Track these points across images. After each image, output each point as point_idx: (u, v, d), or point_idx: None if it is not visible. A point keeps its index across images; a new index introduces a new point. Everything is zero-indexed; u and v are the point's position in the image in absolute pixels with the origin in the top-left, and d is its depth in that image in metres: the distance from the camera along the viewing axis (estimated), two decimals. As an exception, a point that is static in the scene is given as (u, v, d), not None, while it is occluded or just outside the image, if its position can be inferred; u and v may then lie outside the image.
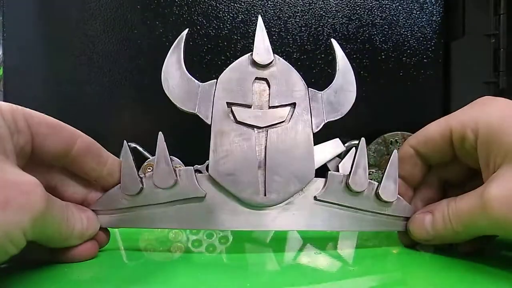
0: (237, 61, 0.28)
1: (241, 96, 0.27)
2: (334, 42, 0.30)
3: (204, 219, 0.26)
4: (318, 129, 0.28)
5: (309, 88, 0.28)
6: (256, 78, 0.28)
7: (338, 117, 0.29)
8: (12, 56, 0.45)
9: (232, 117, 0.27)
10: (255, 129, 0.27)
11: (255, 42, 0.28)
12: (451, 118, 0.27)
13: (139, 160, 0.41)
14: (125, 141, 0.27)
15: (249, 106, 0.27)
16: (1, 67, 0.45)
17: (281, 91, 0.28)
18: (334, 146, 0.42)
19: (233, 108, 0.27)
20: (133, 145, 0.43)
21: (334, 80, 0.29)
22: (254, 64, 0.28)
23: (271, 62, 0.28)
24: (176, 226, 0.27)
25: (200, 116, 0.27)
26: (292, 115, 0.27)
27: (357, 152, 0.27)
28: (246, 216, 0.26)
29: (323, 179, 0.27)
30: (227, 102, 0.27)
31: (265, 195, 0.26)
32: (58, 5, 0.45)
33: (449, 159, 0.28)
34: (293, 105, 0.28)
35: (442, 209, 0.26)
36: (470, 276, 0.24)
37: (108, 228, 0.27)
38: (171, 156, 0.27)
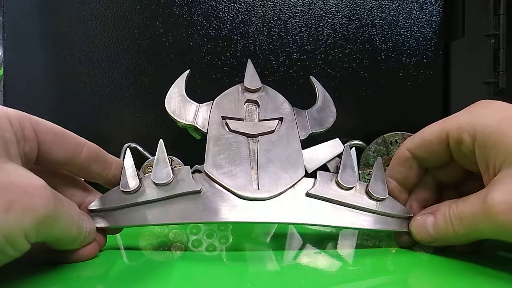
0: (229, 88, 0.33)
1: (234, 113, 0.31)
2: (312, 78, 0.35)
3: (200, 212, 0.27)
4: (305, 137, 0.31)
5: (294, 107, 0.32)
6: (247, 101, 0.32)
7: (322, 130, 0.32)
8: (12, 56, 0.45)
9: (226, 128, 0.30)
10: (247, 137, 0.30)
11: (246, 73, 0.33)
12: (447, 121, 0.27)
13: (139, 160, 0.41)
14: (126, 145, 0.29)
15: (241, 120, 0.31)
16: (1, 67, 0.45)
17: (269, 109, 0.32)
18: (334, 146, 0.42)
19: (227, 120, 0.31)
20: (133, 145, 0.43)
21: (315, 103, 0.33)
22: (245, 90, 0.33)
23: (259, 88, 0.33)
24: (172, 221, 0.27)
25: (197, 126, 0.31)
26: (280, 126, 0.31)
27: (343, 154, 0.30)
28: (240, 208, 0.27)
29: (313, 179, 0.29)
30: (221, 116, 0.31)
31: (258, 189, 0.28)
32: (58, 5, 0.45)
33: (445, 162, 0.28)
34: (281, 119, 0.32)
35: (444, 211, 0.26)
36: (469, 276, 0.24)
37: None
38: (171, 156, 0.28)
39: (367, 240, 0.32)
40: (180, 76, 0.33)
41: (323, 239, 0.32)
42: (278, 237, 0.33)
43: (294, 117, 0.32)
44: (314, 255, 0.28)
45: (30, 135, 0.23)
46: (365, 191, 0.29)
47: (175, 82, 0.32)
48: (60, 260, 0.25)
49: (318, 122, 0.32)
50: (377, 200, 0.28)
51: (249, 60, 0.34)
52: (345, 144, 0.31)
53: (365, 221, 0.28)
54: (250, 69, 0.34)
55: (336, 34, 0.45)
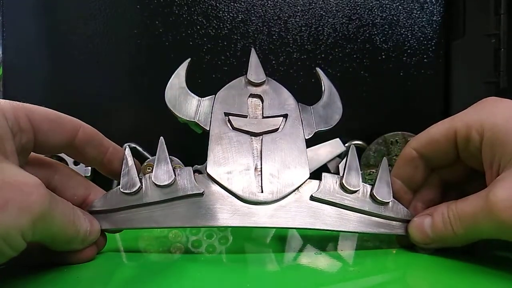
0: (233, 81, 0.31)
1: (237, 108, 0.30)
2: (319, 70, 0.33)
3: (202, 216, 0.26)
4: (310, 136, 0.30)
5: (299, 103, 0.31)
6: (251, 95, 0.31)
7: (327, 128, 0.31)
8: (12, 56, 0.45)
9: (229, 125, 0.29)
10: (251, 135, 0.29)
11: (249, 64, 0.32)
12: (455, 119, 0.27)
13: (139, 160, 0.41)
14: (125, 145, 0.28)
15: (244, 117, 0.30)
16: (1, 67, 0.45)
17: (273, 105, 0.31)
18: (334, 146, 0.42)
19: (230, 117, 0.30)
20: (133, 145, 0.43)
21: (321, 98, 0.32)
22: (249, 83, 0.31)
23: (263, 81, 0.31)
24: (174, 225, 0.27)
25: (199, 123, 0.29)
26: (285, 124, 0.30)
27: (348, 155, 0.29)
28: (243, 213, 0.27)
29: (317, 181, 0.28)
30: (224, 113, 0.30)
31: (261, 192, 0.27)
32: (58, 5, 0.45)
33: (452, 161, 0.28)
34: (285, 116, 0.30)
35: (442, 212, 0.26)
36: (469, 276, 0.24)
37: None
38: (171, 156, 0.27)
39: (367, 241, 0.32)
40: (181, 66, 0.31)
41: (324, 240, 0.32)
42: (278, 238, 0.33)
43: (299, 113, 0.31)
44: (314, 256, 0.28)
45: (25, 126, 0.22)
46: (370, 194, 0.28)
47: (175, 72, 0.31)
48: (58, 261, 0.24)
49: (324, 120, 0.31)
50: (381, 203, 0.28)
51: (252, 50, 0.33)
52: (351, 144, 0.31)
53: (370, 226, 0.28)
54: (254, 60, 0.32)
55: (337, 33, 0.45)
